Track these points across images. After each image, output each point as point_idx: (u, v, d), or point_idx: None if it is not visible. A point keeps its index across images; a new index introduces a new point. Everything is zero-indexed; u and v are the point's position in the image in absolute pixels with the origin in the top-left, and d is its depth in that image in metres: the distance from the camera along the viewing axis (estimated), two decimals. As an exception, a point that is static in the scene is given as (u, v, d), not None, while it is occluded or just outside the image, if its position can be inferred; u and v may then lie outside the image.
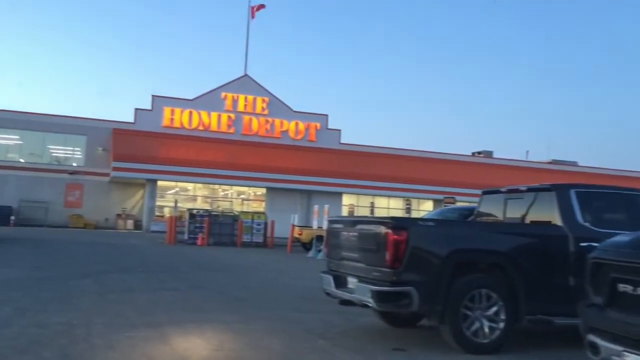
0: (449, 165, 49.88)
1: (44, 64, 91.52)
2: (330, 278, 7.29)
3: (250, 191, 45.54)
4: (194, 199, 43.64)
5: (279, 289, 11.67)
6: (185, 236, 27.97)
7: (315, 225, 23.99)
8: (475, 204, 8.86)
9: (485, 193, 8.42)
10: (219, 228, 28.18)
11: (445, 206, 15.90)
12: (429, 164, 49.05)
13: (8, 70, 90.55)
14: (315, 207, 24.24)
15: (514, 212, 7.68)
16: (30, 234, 29.48)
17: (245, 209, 39.27)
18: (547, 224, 6.94)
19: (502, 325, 6.40)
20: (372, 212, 23.95)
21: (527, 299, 6.46)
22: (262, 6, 46.75)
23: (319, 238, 25.71)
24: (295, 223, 25.44)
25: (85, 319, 7.43)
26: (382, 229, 6.31)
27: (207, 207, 38.80)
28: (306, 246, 26.87)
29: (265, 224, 28.61)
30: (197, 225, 27.65)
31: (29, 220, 39.06)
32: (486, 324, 6.37)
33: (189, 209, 28.76)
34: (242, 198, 44.91)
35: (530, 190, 7.49)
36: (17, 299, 8.72)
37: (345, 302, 7.11)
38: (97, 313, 7.91)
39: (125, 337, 6.51)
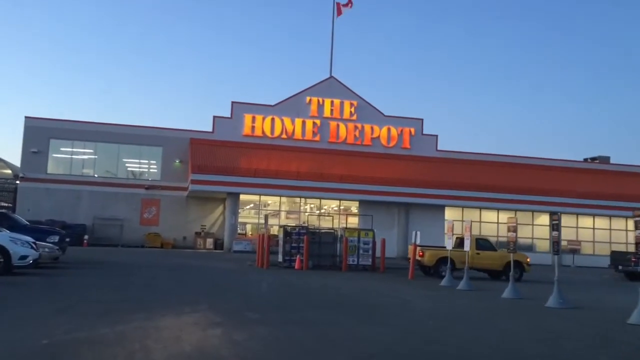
0: (560, 173, 43.52)
1: (117, 74, 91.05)
2: None
3: (334, 205, 40.75)
4: (276, 214, 39.27)
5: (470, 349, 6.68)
6: (280, 258, 23.49)
7: (449, 244, 18.84)
8: None
9: None
10: (318, 248, 23.53)
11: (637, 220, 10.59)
12: (538, 171, 42.87)
13: (85, 82, 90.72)
14: (448, 223, 19.10)
15: None
16: (104, 255, 25.93)
17: (333, 225, 34.44)
18: None
19: None
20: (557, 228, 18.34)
21: None
22: (349, 3, 42.24)
23: (447, 261, 20.79)
24: (418, 242, 20.39)
25: None
26: None
27: (290, 223, 34.48)
28: (429, 270, 21.81)
29: (374, 242, 23.73)
30: (293, 245, 23.11)
31: (103, 239, 35.97)
32: None
33: (283, 226, 24.26)
34: (330, 213, 40.17)
35: None
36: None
37: None
38: None
39: None
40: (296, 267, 22.34)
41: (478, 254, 21.06)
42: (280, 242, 23.53)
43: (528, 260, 21.75)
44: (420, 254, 21.19)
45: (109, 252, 29.21)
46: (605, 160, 47.63)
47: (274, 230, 32.50)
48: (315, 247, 23.28)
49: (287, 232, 23.40)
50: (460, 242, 20.77)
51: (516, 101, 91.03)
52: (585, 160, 48.17)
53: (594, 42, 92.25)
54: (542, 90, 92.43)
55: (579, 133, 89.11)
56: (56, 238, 20.51)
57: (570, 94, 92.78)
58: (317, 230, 24.94)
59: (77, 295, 11.60)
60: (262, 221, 37.83)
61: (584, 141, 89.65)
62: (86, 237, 34.80)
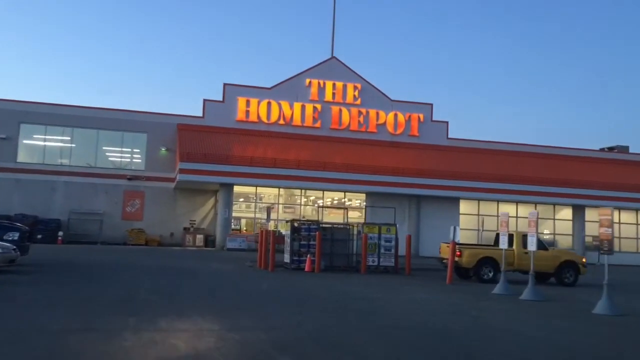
0: (579, 163, 40.29)
1: (97, 53, 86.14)
2: None
3: (329, 198, 37.19)
4: (271, 207, 35.45)
5: None
6: (286, 258, 19.88)
7: (503, 242, 15.38)
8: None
9: None
10: (330, 247, 19.99)
11: None
12: (555, 161, 39.62)
13: (67, 66, 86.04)
14: (503, 217, 15.61)
15: None
16: (79, 255, 22.15)
17: (336, 219, 30.87)
18: None
19: None
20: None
21: None
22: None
23: (488, 261, 17.54)
24: (457, 239, 16.93)
25: None
26: None
27: (287, 217, 30.84)
28: (467, 272, 18.39)
29: (397, 240, 20.23)
30: (303, 243, 19.52)
31: (80, 236, 32.10)
32: None
33: (291, 221, 20.61)
34: (337, 205, 36.61)
35: None
36: None
37: None
38: None
39: None
40: (306, 269, 18.78)
41: (526, 253, 17.65)
42: (287, 240, 19.90)
43: (584, 260, 18.42)
44: (458, 253, 17.72)
45: (85, 250, 25.45)
46: (624, 149, 44.53)
47: (270, 225, 28.87)
48: (327, 245, 19.76)
49: (295, 227, 19.78)
50: (498, 239, 17.41)
51: (524, 91, 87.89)
52: (602, 149, 45.06)
53: (608, 33, 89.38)
54: (553, 79, 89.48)
55: (593, 122, 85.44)
56: (16, 235, 16.75)
57: (579, 85, 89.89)
58: (330, 226, 21.31)
59: (17, 318, 7.93)
60: (258, 215, 34.43)
61: (598, 130, 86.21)
62: (61, 233, 30.96)
